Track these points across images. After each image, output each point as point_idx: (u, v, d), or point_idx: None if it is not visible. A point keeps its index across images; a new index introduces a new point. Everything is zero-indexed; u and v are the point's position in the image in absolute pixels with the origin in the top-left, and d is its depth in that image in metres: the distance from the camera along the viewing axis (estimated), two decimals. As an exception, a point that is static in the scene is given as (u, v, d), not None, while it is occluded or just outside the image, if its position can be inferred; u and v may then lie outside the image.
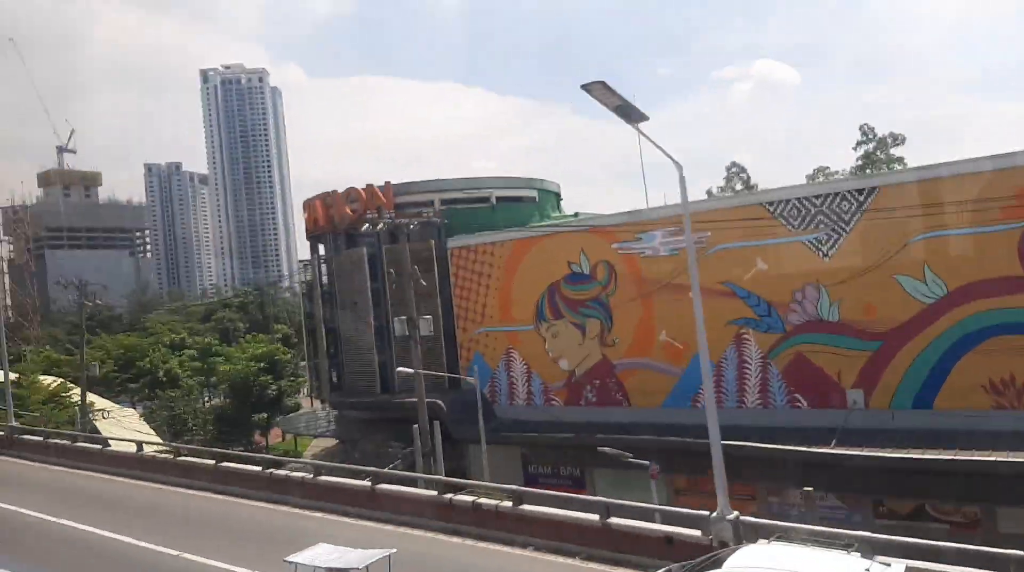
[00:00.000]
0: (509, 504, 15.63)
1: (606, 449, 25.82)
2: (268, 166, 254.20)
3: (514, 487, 16.24)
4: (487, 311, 37.44)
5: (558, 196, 45.05)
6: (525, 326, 35.99)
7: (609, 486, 30.13)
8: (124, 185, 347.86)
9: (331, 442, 47.50)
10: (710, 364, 13.77)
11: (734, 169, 74.48)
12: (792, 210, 28.11)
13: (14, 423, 29.14)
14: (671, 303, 30.99)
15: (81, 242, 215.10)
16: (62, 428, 34.96)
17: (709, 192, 65.92)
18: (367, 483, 18.18)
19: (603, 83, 11.81)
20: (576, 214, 42.54)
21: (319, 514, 18.06)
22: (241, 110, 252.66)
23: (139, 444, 26.09)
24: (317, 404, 53.62)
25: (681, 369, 31.56)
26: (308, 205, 44.04)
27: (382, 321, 40.02)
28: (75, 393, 45.37)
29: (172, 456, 23.80)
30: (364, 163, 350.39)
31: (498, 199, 41.03)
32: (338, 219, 41.56)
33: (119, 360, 65.53)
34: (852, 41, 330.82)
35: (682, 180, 12.68)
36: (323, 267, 44.96)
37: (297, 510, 18.52)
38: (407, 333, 28.27)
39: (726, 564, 9.74)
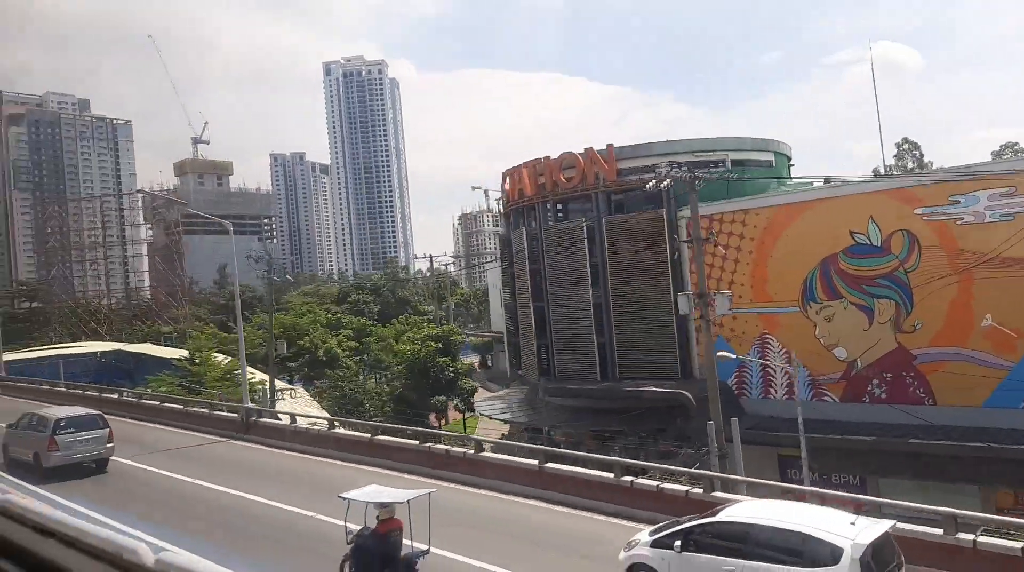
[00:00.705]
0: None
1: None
2: (387, 155, 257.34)
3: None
4: (734, 290, 32.18)
5: (790, 160, 39.23)
6: (787, 307, 30.57)
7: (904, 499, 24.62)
8: (252, 174, 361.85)
9: (504, 428, 43.75)
10: None
11: (905, 146, 68.38)
12: None
13: (250, 404, 26.31)
14: (1001, 281, 24.95)
15: (214, 228, 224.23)
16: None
17: (876, 171, 59.02)
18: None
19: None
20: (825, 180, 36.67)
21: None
22: (361, 101, 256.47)
23: (374, 428, 22.70)
24: (497, 388, 49.95)
25: (1012, 361, 25.46)
26: (511, 174, 40.04)
27: (601, 299, 35.53)
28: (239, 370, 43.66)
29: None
30: (468, 154, 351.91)
31: (732, 163, 35.62)
32: (549, 188, 37.28)
33: (277, 338, 64.14)
34: (972, 23, 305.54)
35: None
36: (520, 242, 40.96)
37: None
38: (690, 311, 23.50)
39: (721, 513, 11.43)
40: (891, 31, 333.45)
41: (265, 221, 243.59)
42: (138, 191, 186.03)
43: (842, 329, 29.08)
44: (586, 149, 35.59)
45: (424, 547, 11.71)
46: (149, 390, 36.57)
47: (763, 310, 31.29)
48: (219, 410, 27.74)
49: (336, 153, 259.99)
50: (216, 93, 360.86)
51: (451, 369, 51.94)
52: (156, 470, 20.57)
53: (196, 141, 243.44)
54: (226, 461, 21.94)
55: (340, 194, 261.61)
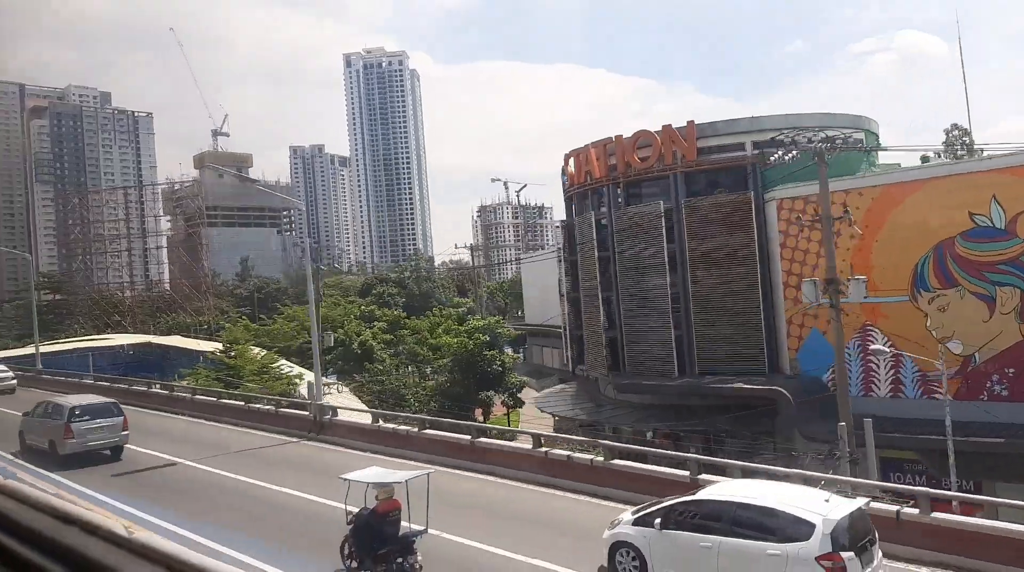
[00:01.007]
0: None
1: None
2: (407, 147, 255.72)
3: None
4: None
5: (877, 138, 36.72)
6: (894, 297, 28.14)
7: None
8: (271, 167, 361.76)
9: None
10: None
11: (955, 132, 65.80)
12: None
13: (324, 401, 24.25)
14: None
15: (234, 220, 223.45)
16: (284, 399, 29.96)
17: (925, 158, 56.56)
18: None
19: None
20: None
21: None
22: (382, 92, 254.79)
23: (475, 429, 20.57)
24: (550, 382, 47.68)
25: None
26: (576, 155, 37.74)
27: (679, 288, 33.23)
28: (281, 364, 41.64)
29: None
30: (484, 147, 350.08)
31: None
32: (621, 169, 34.97)
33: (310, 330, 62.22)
34: (998, 13, 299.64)
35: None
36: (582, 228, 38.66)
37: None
38: (815, 299, 21.19)
39: (701, 492, 11.98)
40: (917, 20, 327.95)
41: (284, 213, 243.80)
42: (167, 183, 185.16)
43: (958, 320, 26.68)
44: (663, 126, 33.26)
45: (421, 527, 11.87)
46: (186, 383, 34.71)
47: (866, 299, 28.85)
48: (283, 407, 25.74)
49: (356, 145, 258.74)
50: (235, 86, 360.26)
51: (499, 363, 49.87)
52: (232, 475, 18.58)
53: (216, 133, 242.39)
54: (311, 463, 19.92)
55: (359, 186, 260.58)
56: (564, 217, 42.72)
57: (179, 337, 64.36)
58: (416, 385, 53.13)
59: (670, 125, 33.11)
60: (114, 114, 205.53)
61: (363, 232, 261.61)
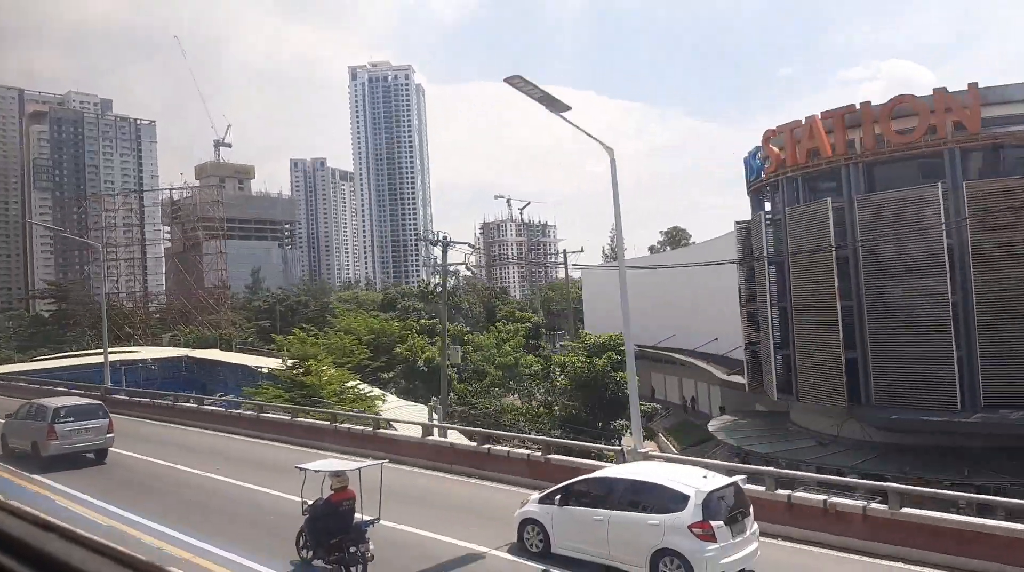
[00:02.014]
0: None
1: None
2: (411, 162, 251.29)
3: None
4: None
5: None
6: None
7: None
8: (272, 180, 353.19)
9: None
10: None
11: None
12: None
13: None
14: None
15: (235, 233, 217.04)
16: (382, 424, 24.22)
17: None
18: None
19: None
20: None
21: None
22: (387, 106, 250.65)
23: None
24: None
25: None
26: (785, 131, 32.60)
27: (958, 295, 27.95)
28: (357, 384, 36.24)
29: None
30: (477, 166, 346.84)
31: None
32: (868, 145, 29.82)
33: (368, 345, 55.85)
34: (987, 41, 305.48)
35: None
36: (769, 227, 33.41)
37: None
38: None
39: (597, 472, 13.47)
40: (907, 47, 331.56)
41: (287, 226, 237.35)
42: (167, 188, 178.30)
43: None
44: (934, 90, 27.96)
45: (373, 517, 11.88)
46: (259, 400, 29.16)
47: None
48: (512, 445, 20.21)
49: (360, 159, 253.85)
50: (238, 97, 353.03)
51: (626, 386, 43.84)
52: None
53: (218, 144, 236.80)
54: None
55: (363, 200, 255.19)
56: (750, 213, 37.00)
57: (216, 351, 58.79)
58: (528, 410, 47.05)
59: (944, 88, 27.82)
60: (116, 121, 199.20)
61: (365, 247, 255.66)
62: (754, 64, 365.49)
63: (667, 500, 11.24)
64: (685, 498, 11.00)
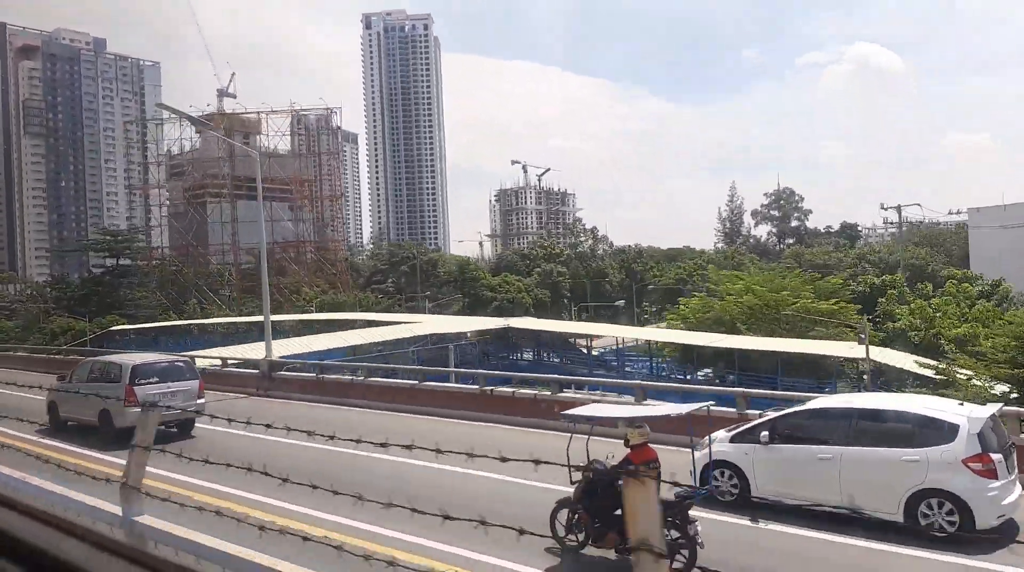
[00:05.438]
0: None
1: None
2: (429, 120, 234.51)
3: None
4: None
5: None
6: None
7: None
8: (276, 136, 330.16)
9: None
10: None
11: None
12: None
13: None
14: None
15: (242, 193, 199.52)
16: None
17: None
18: None
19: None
20: None
21: None
22: (404, 59, 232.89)
23: None
24: None
25: None
26: None
27: None
28: None
29: None
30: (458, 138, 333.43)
31: None
32: None
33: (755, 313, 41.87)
34: (956, 31, 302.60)
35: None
36: None
37: None
38: None
39: (811, 403, 11.37)
40: (877, 34, 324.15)
41: (286, 188, 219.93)
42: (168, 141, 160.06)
43: None
44: None
45: (692, 488, 9.29)
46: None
47: None
48: None
49: (373, 116, 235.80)
50: (237, 43, 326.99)
51: None
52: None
53: (222, 94, 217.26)
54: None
55: (378, 158, 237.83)
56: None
57: (529, 319, 45.63)
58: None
59: None
60: (116, 60, 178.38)
61: (379, 209, 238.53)
62: (717, 46, 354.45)
63: (927, 431, 9.59)
64: (954, 428, 9.37)
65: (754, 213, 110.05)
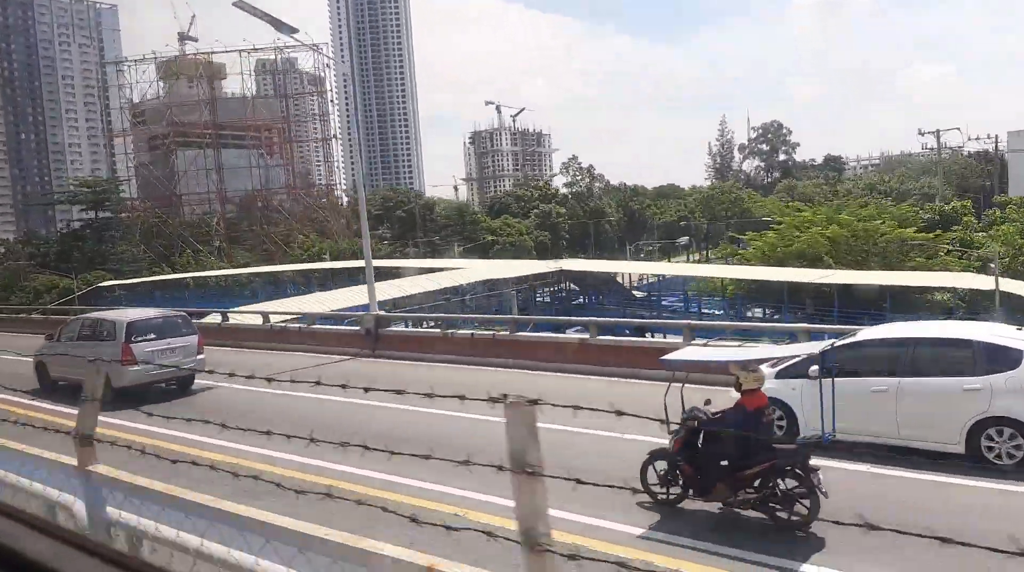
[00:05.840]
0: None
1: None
2: (400, 58, 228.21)
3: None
4: None
5: None
6: None
7: None
8: (236, 80, 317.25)
9: None
10: None
11: None
12: None
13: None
14: None
15: (210, 140, 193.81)
16: None
17: None
18: None
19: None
20: None
21: None
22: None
23: None
24: None
25: None
26: None
27: None
28: None
29: None
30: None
31: None
32: None
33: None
34: None
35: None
36: None
37: None
38: None
39: (861, 333, 10.74)
40: None
41: (266, 134, 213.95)
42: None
43: None
44: None
45: (817, 432, 8.31)
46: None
47: None
48: None
49: (340, 58, 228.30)
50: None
51: None
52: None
53: (183, 37, 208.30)
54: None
55: (347, 102, 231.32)
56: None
57: (583, 261, 44.68)
58: None
59: None
60: (71, 4, 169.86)
61: (350, 156, 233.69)
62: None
63: (988, 358, 9.22)
64: (1020, 353, 9.11)
65: (741, 147, 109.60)
